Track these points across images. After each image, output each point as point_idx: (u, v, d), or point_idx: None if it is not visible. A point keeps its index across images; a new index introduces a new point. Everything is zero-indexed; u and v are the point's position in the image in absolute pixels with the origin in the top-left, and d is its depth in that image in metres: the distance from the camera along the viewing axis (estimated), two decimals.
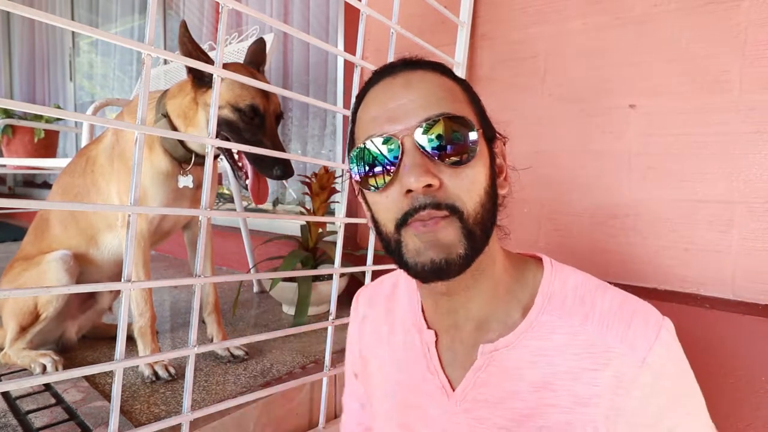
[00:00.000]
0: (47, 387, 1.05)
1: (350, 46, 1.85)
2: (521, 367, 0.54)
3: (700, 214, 1.17)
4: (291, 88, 2.42)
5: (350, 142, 0.60)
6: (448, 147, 0.50)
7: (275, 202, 2.54)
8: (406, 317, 0.65)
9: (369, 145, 0.53)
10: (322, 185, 1.57)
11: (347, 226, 1.84)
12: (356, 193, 0.61)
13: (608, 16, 1.27)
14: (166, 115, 1.08)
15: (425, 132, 0.51)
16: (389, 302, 0.70)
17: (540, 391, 0.53)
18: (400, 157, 0.51)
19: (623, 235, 1.27)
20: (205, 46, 2.40)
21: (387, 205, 0.53)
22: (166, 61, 2.61)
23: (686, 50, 1.16)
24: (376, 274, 1.22)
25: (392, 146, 0.51)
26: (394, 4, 1.09)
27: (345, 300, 1.47)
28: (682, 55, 1.17)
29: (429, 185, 0.50)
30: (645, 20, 1.21)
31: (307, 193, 1.61)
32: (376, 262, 1.14)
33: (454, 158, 0.51)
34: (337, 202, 1.84)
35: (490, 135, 0.57)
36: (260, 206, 2.61)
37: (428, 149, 0.51)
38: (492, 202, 0.54)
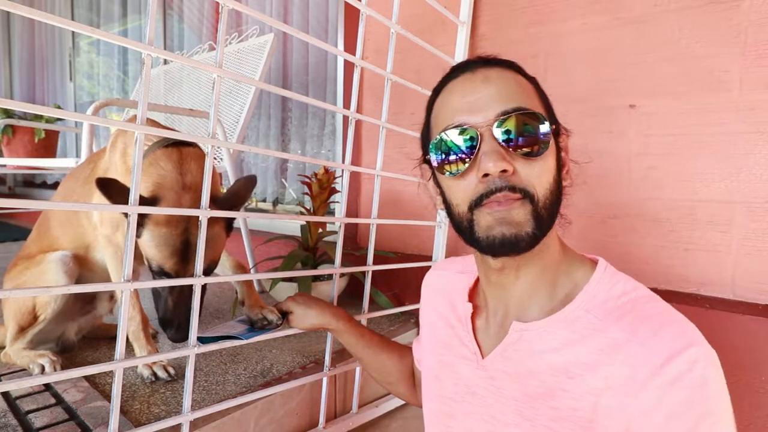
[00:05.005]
0: (47, 387, 1.05)
1: (350, 46, 1.85)
2: (546, 351, 0.58)
3: (700, 214, 1.17)
4: (290, 88, 2.42)
5: (425, 130, 0.65)
6: (522, 139, 0.55)
7: (275, 202, 2.54)
8: (458, 290, 0.73)
9: (449, 134, 0.58)
10: (322, 185, 1.57)
11: (347, 226, 1.84)
12: (427, 178, 0.67)
13: (608, 16, 1.27)
14: None
15: (502, 124, 0.56)
16: (453, 277, 0.78)
17: (558, 375, 0.56)
18: (477, 146, 0.56)
19: (623, 235, 1.27)
20: (204, 46, 2.40)
21: (463, 188, 0.58)
22: (166, 61, 2.61)
23: (686, 50, 1.16)
24: (376, 274, 1.23)
25: (471, 136, 0.57)
26: (394, 4, 1.09)
27: (345, 300, 1.47)
28: (682, 55, 1.17)
29: (505, 170, 0.55)
30: (645, 20, 1.21)
31: (307, 193, 1.61)
32: (376, 262, 1.14)
33: (527, 149, 0.56)
34: (337, 202, 1.84)
35: (557, 130, 0.61)
36: (260, 206, 2.62)
37: (504, 140, 0.56)
38: (559, 190, 0.59)
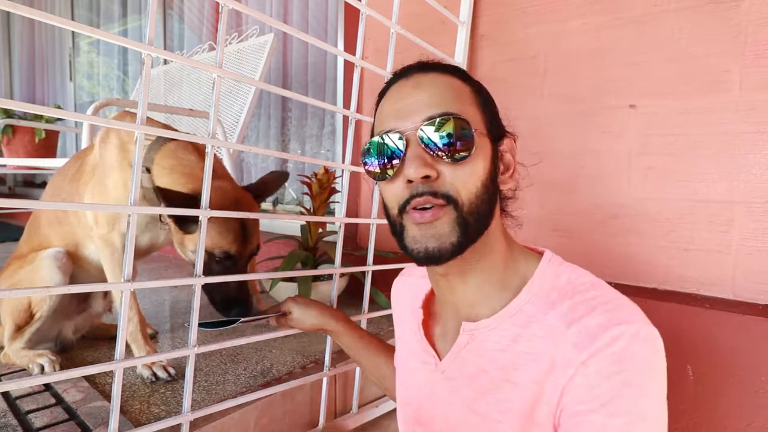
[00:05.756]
0: (47, 387, 1.05)
1: (350, 46, 1.85)
2: (495, 349, 0.59)
3: (700, 214, 1.17)
4: (290, 88, 2.42)
5: (370, 137, 0.65)
6: (448, 144, 0.55)
7: (275, 202, 2.54)
8: (417, 296, 0.74)
9: (379, 139, 0.59)
10: (322, 185, 1.57)
11: (347, 226, 1.84)
12: (374, 183, 0.68)
13: (608, 16, 1.27)
14: (149, 170, 1.02)
15: (426, 129, 0.56)
16: (416, 282, 0.79)
17: (505, 368, 0.57)
18: (404, 150, 0.57)
19: (623, 235, 1.27)
20: (204, 46, 2.40)
21: (393, 193, 0.60)
22: (166, 61, 2.61)
23: (686, 50, 1.16)
24: (376, 274, 1.23)
25: (398, 141, 0.57)
26: (394, 4, 1.09)
27: (345, 300, 1.47)
28: (682, 55, 1.17)
29: (427, 176, 0.55)
30: (645, 20, 1.21)
31: (306, 193, 1.61)
32: (376, 262, 1.14)
33: (453, 154, 0.56)
34: (337, 202, 1.84)
35: (497, 133, 0.61)
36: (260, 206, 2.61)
37: (430, 145, 0.56)
38: (489, 195, 0.58)
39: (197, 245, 0.96)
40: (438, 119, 0.56)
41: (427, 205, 0.56)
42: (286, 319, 0.96)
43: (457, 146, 0.55)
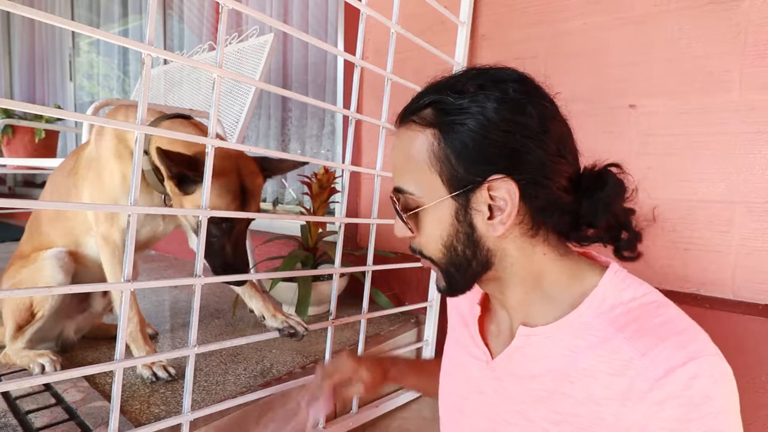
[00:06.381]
0: (47, 387, 1.05)
1: (350, 46, 1.85)
2: (550, 357, 0.58)
3: (700, 214, 1.17)
4: (290, 88, 2.42)
5: None
6: (401, 213, 0.61)
7: (275, 202, 2.54)
8: (477, 290, 0.73)
9: None
10: (322, 185, 1.57)
11: (347, 226, 1.84)
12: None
13: (608, 16, 1.27)
14: (146, 152, 1.02)
15: (393, 199, 0.61)
16: None
17: (559, 380, 0.56)
18: None
19: None
20: (204, 46, 2.40)
21: None
22: (166, 61, 2.61)
23: (686, 50, 1.16)
24: (376, 274, 1.23)
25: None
26: (394, 4, 1.09)
27: (345, 300, 1.47)
28: (682, 55, 1.17)
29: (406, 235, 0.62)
30: (645, 20, 1.21)
31: (307, 193, 1.61)
32: (376, 262, 1.14)
33: (407, 224, 0.61)
34: (337, 202, 1.84)
35: (465, 184, 0.56)
36: (260, 206, 2.61)
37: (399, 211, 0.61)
38: (463, 249, 0.58)
39: (198, 207, 0.96)
40: (393, 195, 0.61)
41: None
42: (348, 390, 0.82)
43: (405, 218, 0.60)
